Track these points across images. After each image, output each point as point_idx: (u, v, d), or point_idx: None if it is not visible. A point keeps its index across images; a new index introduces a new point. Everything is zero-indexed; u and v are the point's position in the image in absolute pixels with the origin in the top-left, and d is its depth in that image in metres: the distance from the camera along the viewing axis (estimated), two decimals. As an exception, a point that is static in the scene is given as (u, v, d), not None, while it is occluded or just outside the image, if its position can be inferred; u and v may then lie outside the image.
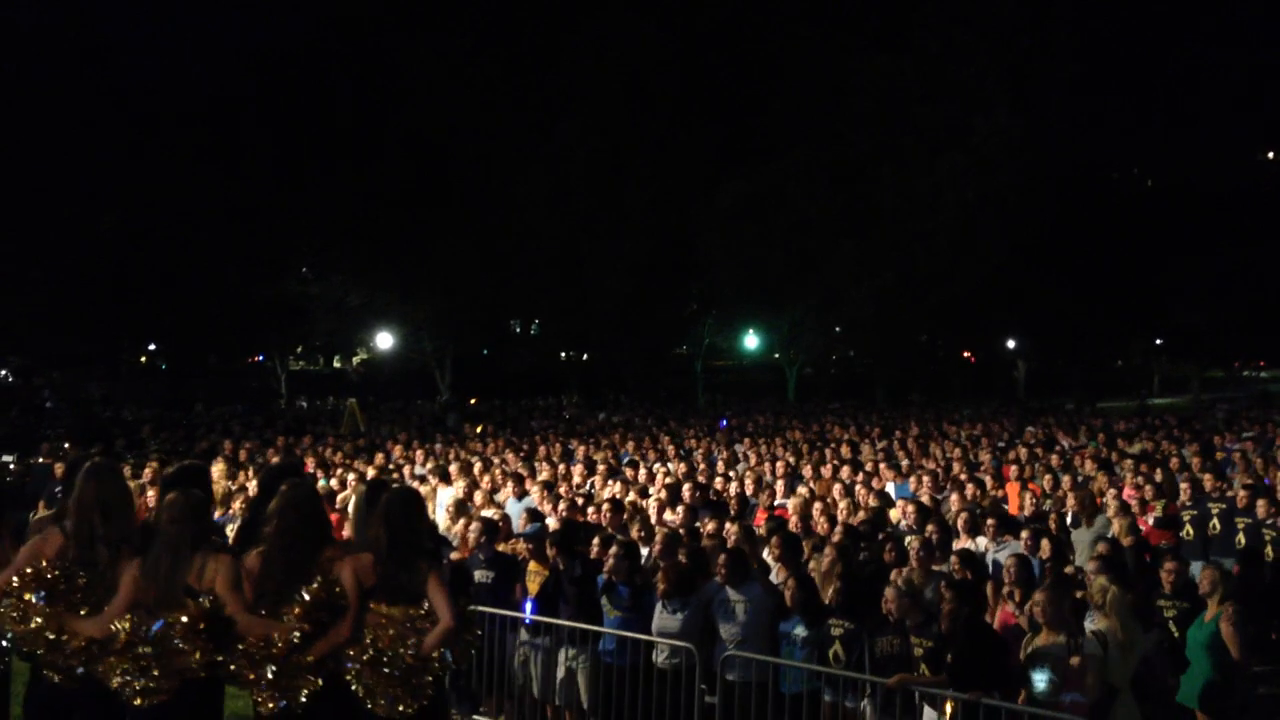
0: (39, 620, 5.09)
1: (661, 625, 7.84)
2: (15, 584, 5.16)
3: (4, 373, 55.88)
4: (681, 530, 9.72)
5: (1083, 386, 47.90)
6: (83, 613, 5.21)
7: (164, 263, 38.70)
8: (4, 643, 5.21)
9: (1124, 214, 47.09)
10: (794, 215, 39.11)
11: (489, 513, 10.70)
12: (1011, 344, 50.67)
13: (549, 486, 12.29)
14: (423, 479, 13.92)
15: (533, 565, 8.79)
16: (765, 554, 9.02)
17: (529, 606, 8.48)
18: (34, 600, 5.12)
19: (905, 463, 14.88)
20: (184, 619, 5.05)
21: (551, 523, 10.55)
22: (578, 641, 8.13)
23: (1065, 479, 12.50)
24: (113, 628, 5.07)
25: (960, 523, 9.92)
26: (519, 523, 10.46)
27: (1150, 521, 11.42)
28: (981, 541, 9.69)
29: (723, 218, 39.63)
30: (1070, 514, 10.84)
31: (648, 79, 40.73)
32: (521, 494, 12.68)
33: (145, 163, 38.08)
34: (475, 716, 8.63)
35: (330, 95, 41.60)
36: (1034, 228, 39.17)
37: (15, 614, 5.10)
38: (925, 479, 12.40)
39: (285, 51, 43.95)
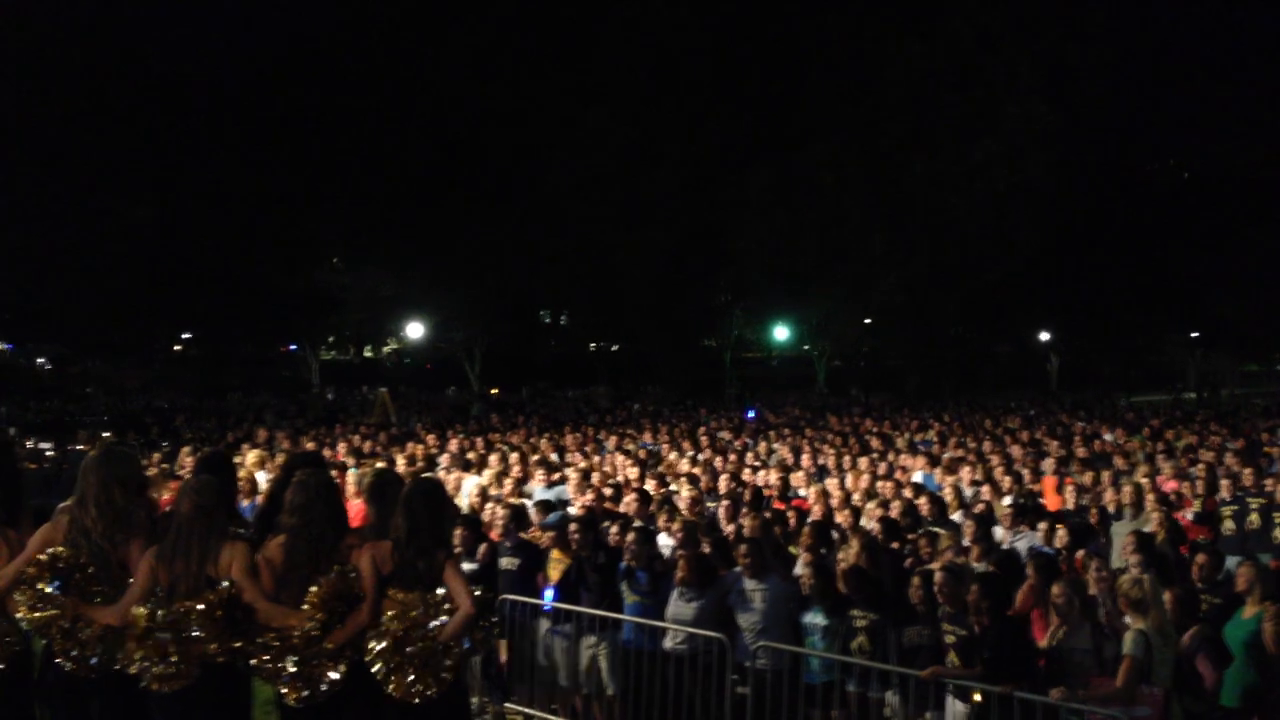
0: (53, 609, 5.10)
1: (675, 612, 7.85)
2: (30, 572, 5.16)
3: (42, 361, 56.61)
4: (724, 520, 9.71)
5: (1117, 379, 47.44)
6: (97, 601, 5.22)
7: (198, 253, 38.98)
8: (23, 627, 5.20)
9: (1159, 204, 46.52)
10: (824, 204, 38.85)
11: (513, 500, 10.69)
12: (1045, 336, 50.22)
13: (586, 476, 12.25)
14: (447, 468, 13.93)
15: (555, 553, 8.78)
16: (795, 545, 8.97)
17: (549, 594, 8.49)
18: (48, 589, 5.12)
19: (946, 456, 14.72)
20: (200, 605, 5.05)
21: (574, 511, 10.54)
22: (597, 628, 8.15)
23: (1105, 474, 12.37)
24: (131, 614, 5.07)
25: (977, 512, 9.85)
26: (535, 513, 10.46)
27: (1189, 516, 11.28)
28: (998, 531, 9.64)
29: (753, 206, 39.46)
30: (1111, 508, 10.73)
31: (678, 66, 40.57)
32: (551, 483, 12.67)
33: (180, 154, 38.34)
34: (507, 704, 8.63)
35: (361, 85, 41.71)
36: (1067, 218, 38.76)
37: (29, 602, 5.10)
38: (963, 471, 12.30)
39: (317, 42, 44.10)
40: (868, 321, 46.48)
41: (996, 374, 49.58)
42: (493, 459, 14.27)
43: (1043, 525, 9.40)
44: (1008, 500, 10.87)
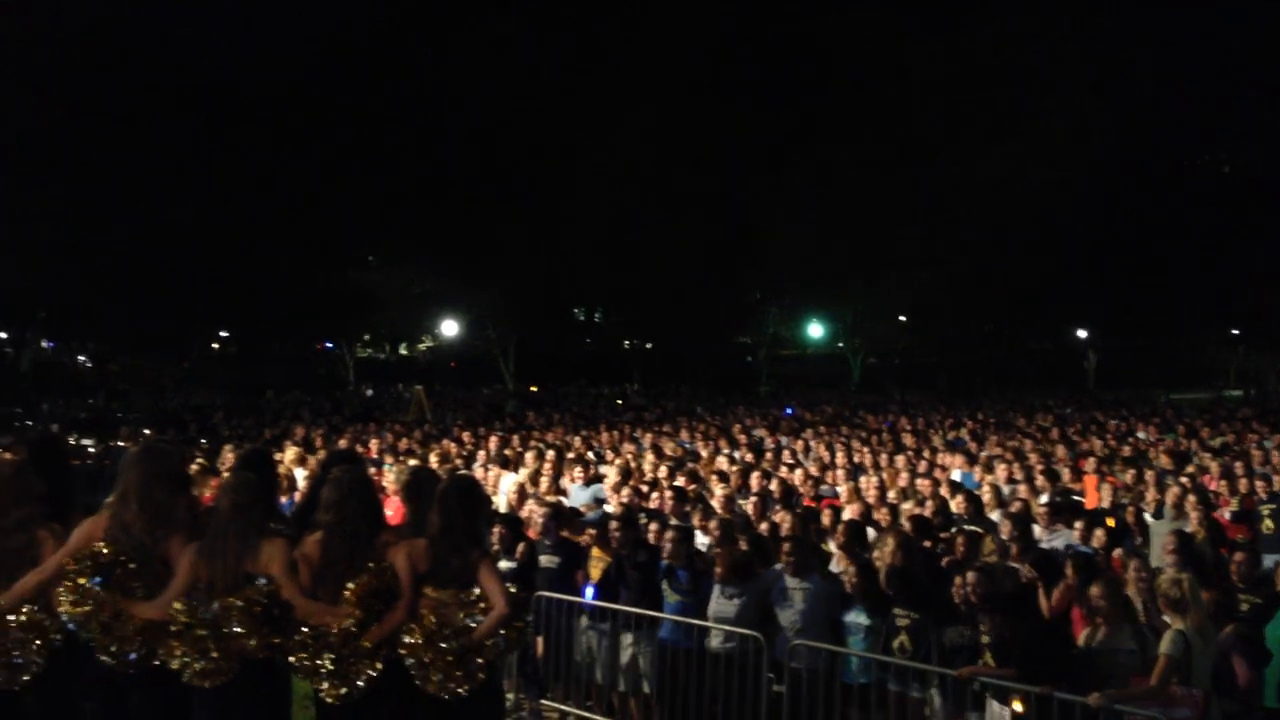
0: (94, 603, 5.15)
1: (717, 610, 7.84)
2: (71, 566, 5.21)
3: (83, 358, 57.33)
4: (753, 517, 9.69)
5: (1157, 377, 46.87)
6: (138, 596, 5.26)
7: (235, 252, 39.38)
8: (65, 621, 5.26)
9: (1199, 200, 45.89)
10: (859, 201, 38.68)
11: (549, 498, 10.73)
12: (1082, 333, 49.72)
13: (626, 474, 12.28)
14: (484, 466, 13.98)
15: (595, 551, 8.81)
16: (830, 543, 8.96)
17: (589, 592, 8.51)
18: (89, 584, 5.17)
19: (983, 454, 14.63)
20: (240, 602, 5.11)
21: (612, 508, 10.57)
22: (636, 626, 8.16)
23: (1148, 473, 12.26)
24: (171, 610, 5.13)
25: (1013, 510, 9.79)
26: (582, 511, 10.49)
27: (1228, 515, 11.16)
28: (1034, 530, 9.56)
29: (787, 203, 39.34)
30: (1151, 507, 10.64)
31: (709, 63, 40.53)
32: (588, 480, 12.70)
33: (217, 154, 38.72)
34: (542, 701, 8.68)
35: (397, 84, 41.97)
36: (1106, 214, 38.37)
37: (71, 597, 5.15)
38: (1000, 469, 12.23)
39: (354, 41, 44.41)
40: (903, 319, 46.25)
41: (1033, 372, 49.17)
42: (528, 457, 14.32)
43: (1079, 524, 9.33)
44: (1044, 499, 10.81)
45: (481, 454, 15.25)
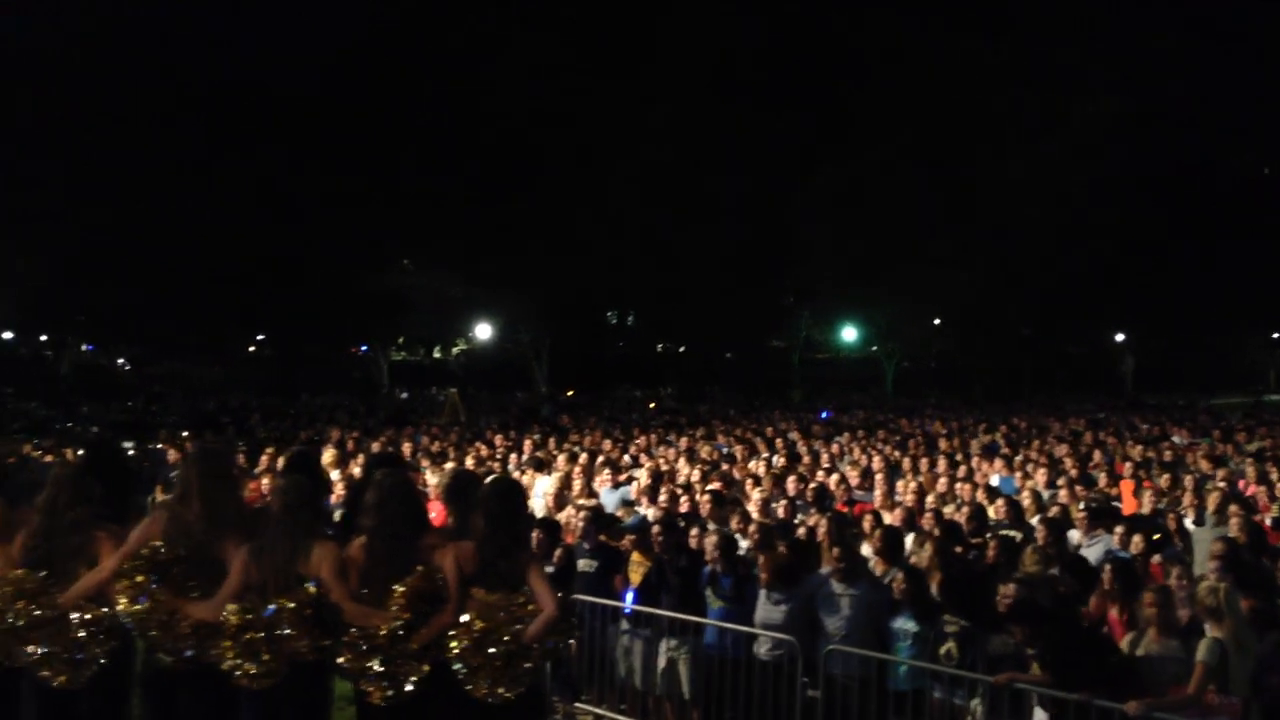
0: (151, 602, 5.21)
1: (765, 617, 7.79)
2: (128, 566, 5.29)
3: (122, 361, 58.00)
4: (784, 519, 9.68)
5: (1196, 381, 46.31)
6: (193, 595, 5.33)
7: (271, 255, 39.76)
8: (122, 620, 5.33)
9: (1237, 200, 45.25)
10: (892, 203, 38.49)
11: (587, 502, 10.75)
12: (1119, 337, 49.22)
13: (658, 477, 12.26)
14: (519, 469, 14.05)
15: (635, 556, 8.78)
16: (865, 548, 8.93)
17: (630, 597, 8.51)
18: (146, 583, 5.24)
19: (1018, 459, 14.52)
20: (292, 604, 5.15)
21: (650, 513, 10.57)
22: (678, 632, 8.14)
23: (1187, 478, 12.13)
24: (223, 611, 5.18)
25: (1053, 515, 9.73)
26: (615, 515, 10.50)
27: (1269, 521, 11.01)
28: (1074, 535, 9.52)
29: (818, 206, 39.21)
30: (1190, 513, 10.53)
31: (740, 65, 40.46)
32: (617, 484, 12.72)
33: (253, 157, 39.10)
34: (576, 704, 8.69)
35: (429, 87, 42.21)
36: (1143, 215, 37.95)
37: (128, 596, 5.22)
38: (1039, 473, 12.14)
39: (387, 45, 44.72)
40: (937, 322, 45.97)
41: (1070, 376, 48.72)
42: (560, 460, 14.36)
43: (1119, 529, 9.25)
44: (1082, 505, 10.71)
45: (514, 457, 15.34)
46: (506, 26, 41.90)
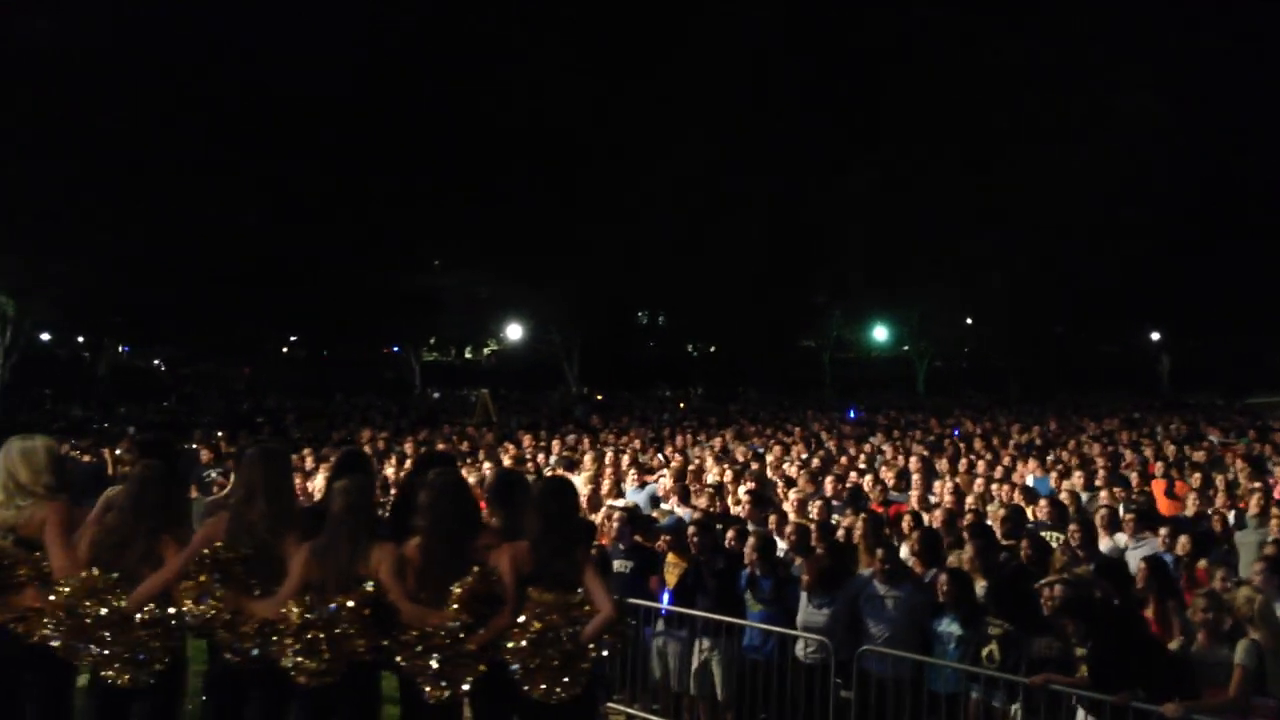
0: (216, 601, 5.26)
1: (806, 619, 7.76)
2: (193, 566, 5.33)
3: (157, 362, 58.62)
4: (817, 521, 9.65)
5: (1233, 381, 45.70)
6: (255, 594, 5.36)
7: (304, 256, 40.06)
8: (187, 620, 5.37)
9: (1275, 200, 44.63)
10: (925, 201, 38.25)
11: (617, 502, 10.76)
12: (1155, 336, 48.71)
13: (680, 477, 12.28)
14: (551, 469, 14.07)
15: (671, 557, 8.78)
16: (903, 549, 8.88)
17: (666, 597, 8.49)
18: (211, 582, 5.28)
19: (1050, 458, 14.41)
20: (352, 604, 5.17)
21: (684, 513, 10.56)
22: (713, 633, 8.13)
23: (1219, 478, 11.99)
24: (284, 610, 5.21)
25: (1100, 519, 9.63)
26: (651, 515, 10.49)
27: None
28: (1120, 538, 9.42)
29: (851, 206, 39.04)
30: (1232, 515, 10.41)
31: (773, 64, 40.35)
32: (643, 483, 12.73)
33: (285, 158, 39.38)
34: (609, 704, 8.69)
35: (460, 89, 42.38)
36: (1179, 213, 37.54)
37: (193, 595, 5.26)
38: (1077, 475, 12.04)
39: (417, 47, 44.94)
40: (969, 321, 45.68)
41: (1105, 375, 48.24)
42: (586, 459, 14.40)
43: (1163, 531, 9.15)
44: (1121, 507, 10.60)
45: (541, 457, 15.38)
46: (537, 25, 41.99)
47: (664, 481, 12.34)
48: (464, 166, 41.35)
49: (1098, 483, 11.98)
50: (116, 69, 35.22)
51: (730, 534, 8.79)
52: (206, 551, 5.38)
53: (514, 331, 47.49)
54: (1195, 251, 39.74)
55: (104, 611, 5.27)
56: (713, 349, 55.00)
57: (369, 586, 5.24)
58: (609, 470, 13.17)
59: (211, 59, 38.92)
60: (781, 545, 8.92)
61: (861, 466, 14.06)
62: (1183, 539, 8.80)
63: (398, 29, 41.88)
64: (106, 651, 5.31)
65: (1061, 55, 38.19)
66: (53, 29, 33.74)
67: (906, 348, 47.65)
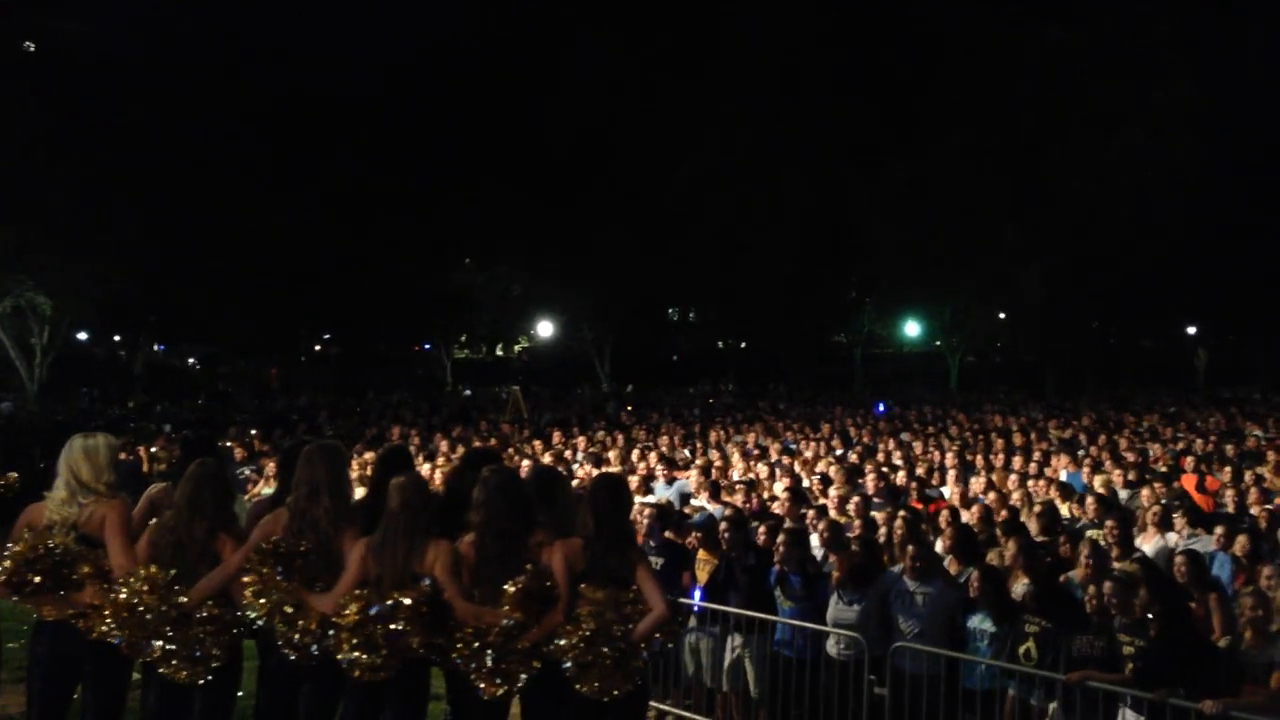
0: (277, 596, 5.30)
1: (837, 616, 7.72)
2: (254, 559, 5.39)
3: (192, 361, 59.21)
4: (855, 517, 9.61)
5: (1270, 375, 45.08)
6: (316, 588, 5.42)
7: (337, 255, 40.30)
8: (249, 614, 5.41)
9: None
10: (959, 195, 37.90)
11: (648, 499, 10.73)
12: (1192, 330, 48.11)
13: (706, 473, 12.24)
14: (581, 465, 14.07)
15: (702, 554, 8.75)
16: (938, 545, 8.82)
17: (697, 594, 8.47)
18: (273, 575, 5.33)
19: (1082, 454, 14.26)
20: (408, 600, 5.20)
21: (715, 510, 10.52)
22: (745, 630, 8.09)
23: (1248, 474, 11.83)
24: (341, 604, 5.24)
25: (1151, 516, 9.49)
26: (682, 511, 10.47)
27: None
28: (1172, 537, 9.30)
29: (884, 200, 38.79)
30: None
31: (806, 59, 40.15)
32: (672, 479, 12.70)
33: (318, 157, 39.67)
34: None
35: (493, 87, 42.49)
36: (1217, 205, 37.03)
37: (254, 590, 5.31)
38: (1116, 471, 11.91)
39: (452, 46, 45.14)
40: (1003, 316, 45.28)
41: (1142, 369, 47.70)
42: (611, 455, 14.39)
43: (1218, 530, 8.97)
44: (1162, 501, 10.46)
45: (568, 454, 15.38)
46: (569, 24, 42.01)
47: (694, 477, 12.31)
48: (495, 164, 41.46)
49: (1131, 476, 11.84)
50: (151, 70, 35.62)
51: (761, 530, 8.74)
52: (266, 545, 5.43)
53: (545, 328, 47.55)
54: (1232, 245, 39.16)
55: (165, 609, 5.32)
56: (743, 345, 54.84)
57: (425, 584, 5.27)
58: (640, 466, 13.16)
59: (245, 59, 39.28)
60: (815, 542, 8.87)
61: (897, 463, 13.95)
62: (1241, 539, 8.64)
63: (430, 29, 42.07)
64: (168, 648, 5.36)
65: (1101, 46, 37.69)
66: (88, 31, 34.12)
67: (938, 343, 47.28)
